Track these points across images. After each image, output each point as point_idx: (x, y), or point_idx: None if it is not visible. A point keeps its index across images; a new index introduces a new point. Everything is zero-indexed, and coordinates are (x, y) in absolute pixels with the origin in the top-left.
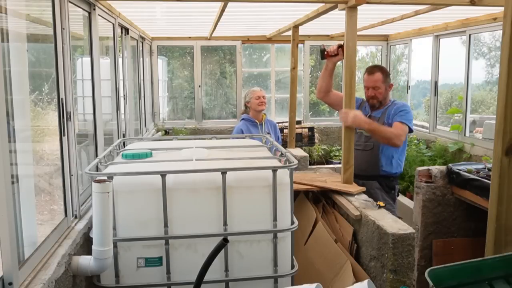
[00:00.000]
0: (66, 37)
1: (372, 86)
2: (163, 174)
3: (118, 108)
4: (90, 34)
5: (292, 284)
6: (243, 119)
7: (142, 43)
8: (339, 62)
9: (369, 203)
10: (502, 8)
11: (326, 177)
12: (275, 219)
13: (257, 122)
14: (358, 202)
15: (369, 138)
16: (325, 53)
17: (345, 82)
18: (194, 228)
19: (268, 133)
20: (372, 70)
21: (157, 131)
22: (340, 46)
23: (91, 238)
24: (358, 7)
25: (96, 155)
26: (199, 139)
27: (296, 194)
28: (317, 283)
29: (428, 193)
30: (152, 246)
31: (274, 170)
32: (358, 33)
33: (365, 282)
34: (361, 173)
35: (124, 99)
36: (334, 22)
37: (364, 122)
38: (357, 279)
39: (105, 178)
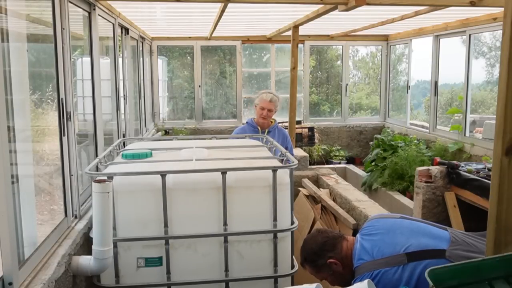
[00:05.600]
0: (66, 37)
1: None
2: (163, 174)
3: (118, 108)
4: (90, 34)
5: (292, 284)
6: (247, 122)
7: (142, 43)
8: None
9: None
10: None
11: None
12: (275, 219)
13: (259, 128)
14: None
15: None
16: None
17: None
18: (194, 228)
19: None
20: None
21: (157, 131)
22: None
23: (91, 238)
24: (358, 8)
25: (96, 155)
26: (199, 139)
27: (295, 194)
28: (317, 283)
29: (428, 193)
30: (152, 246)
31: (274, 170)
32: (358, 33)
33: (365, 282)
34: None
35: (124, 99)
36: (334, 22)
37: None
38: None
39: (105, 178)
